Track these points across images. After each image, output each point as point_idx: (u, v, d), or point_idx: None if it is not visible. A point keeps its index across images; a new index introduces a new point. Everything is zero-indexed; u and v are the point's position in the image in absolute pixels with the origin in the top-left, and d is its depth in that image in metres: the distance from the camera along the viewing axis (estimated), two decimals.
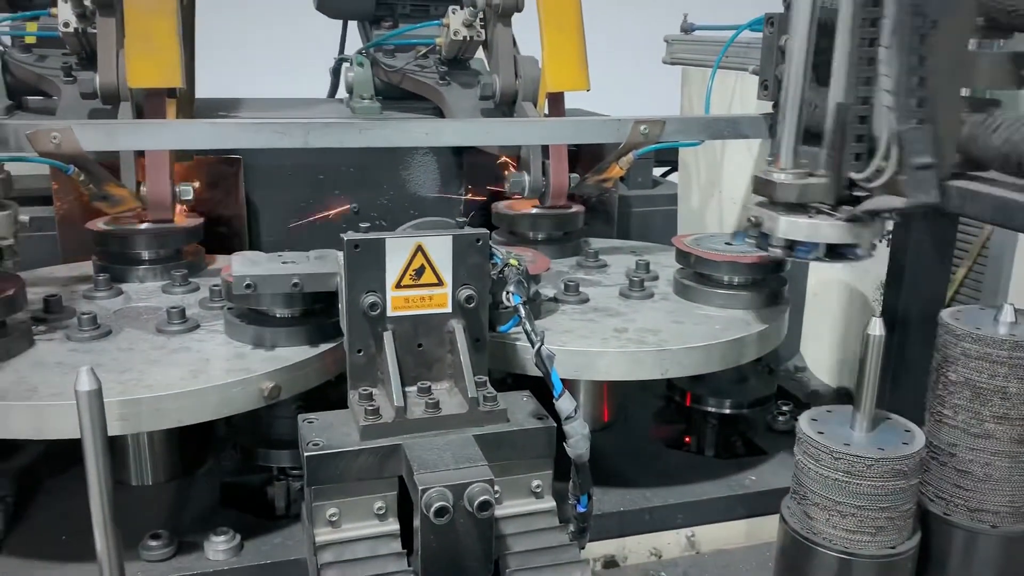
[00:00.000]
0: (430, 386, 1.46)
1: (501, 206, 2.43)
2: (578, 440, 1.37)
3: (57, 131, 1.75)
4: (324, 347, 1.65)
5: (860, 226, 1.61)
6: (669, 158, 3.19)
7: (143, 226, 2.05)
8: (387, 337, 1.45)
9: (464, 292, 1.49)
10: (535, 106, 2.33)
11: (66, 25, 2.09)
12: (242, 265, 1.61)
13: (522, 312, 1.45)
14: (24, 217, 1.56)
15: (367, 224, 1.48)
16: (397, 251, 1.44)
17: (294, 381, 1.59)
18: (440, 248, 1.46)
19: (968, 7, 1.52)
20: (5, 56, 2.36)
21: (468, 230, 1.52)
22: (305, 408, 1.81)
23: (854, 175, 1.61)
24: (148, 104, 2.00)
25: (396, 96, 2.66)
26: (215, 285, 1.87)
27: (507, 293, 1.49)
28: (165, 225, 2.06)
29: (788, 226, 1.63)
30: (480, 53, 2.60)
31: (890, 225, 1.76)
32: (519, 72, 2.34)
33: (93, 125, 1.81)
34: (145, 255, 2.04)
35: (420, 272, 1.46)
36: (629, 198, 2.79)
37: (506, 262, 1.53)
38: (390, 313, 1.46)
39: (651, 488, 1.89)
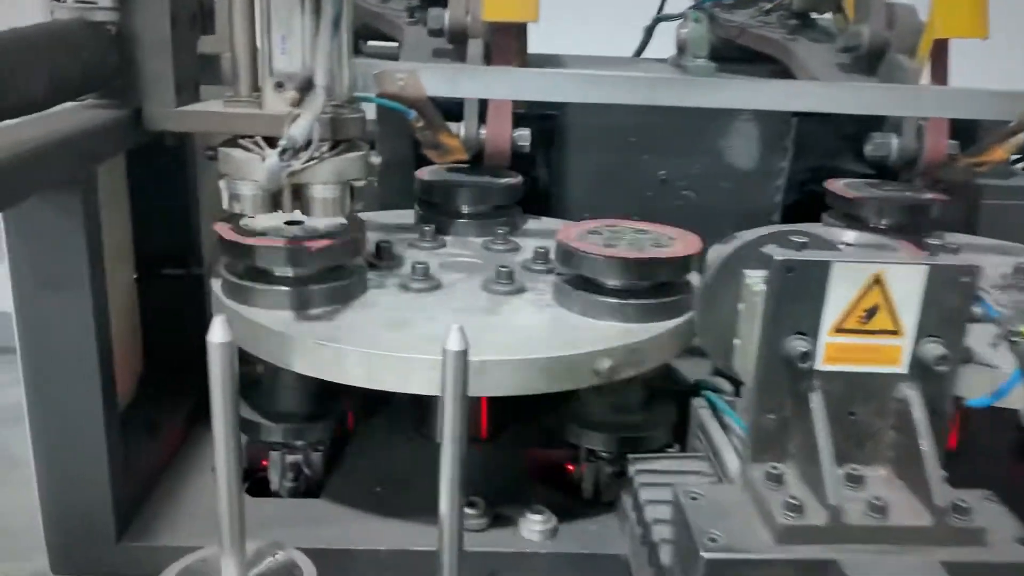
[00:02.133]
0: (864, 475, 1.12)
1: (839, 185, 2.15)
2: None
3: (403, 73, 1.71)
4: (667, 324, 1.49)
5: None
6: None
7: (468, 179, 1.99)
8: (815, 400, 1.11)
9: (932, 348, 1.10)
10: (912, 58, 2.02)
11: None
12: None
13: None
14: (376, 158, 1.51)
15: (803, 238, 1.14)
16: (846, 281, 1.08)
17: (631, 360, 1.44)
18: (906, 281, 1.08)
19: None
20: None
21: (947, 259, 1.14)
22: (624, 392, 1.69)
23: None
24: (498, 41, 1.92)
25: (728, 57, 2.45)
26: (541, 247, 1.76)
27: None
28: (489, 180, 2.00)
29: None
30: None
31: None
32: (893, 20, 2.04)
33: (437, 69, 1.75)
34: (468, 209, 1.98)
35: (871, 313, 1.10)
36: (980, 188, 2.40)
37: (1017, 328, 1.12)
38: (821, 366, 1.12)
39: None
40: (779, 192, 2.39)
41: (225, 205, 1.42)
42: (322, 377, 1.40)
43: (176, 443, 1.77)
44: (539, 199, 2.32)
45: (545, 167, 2.36)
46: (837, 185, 2.15)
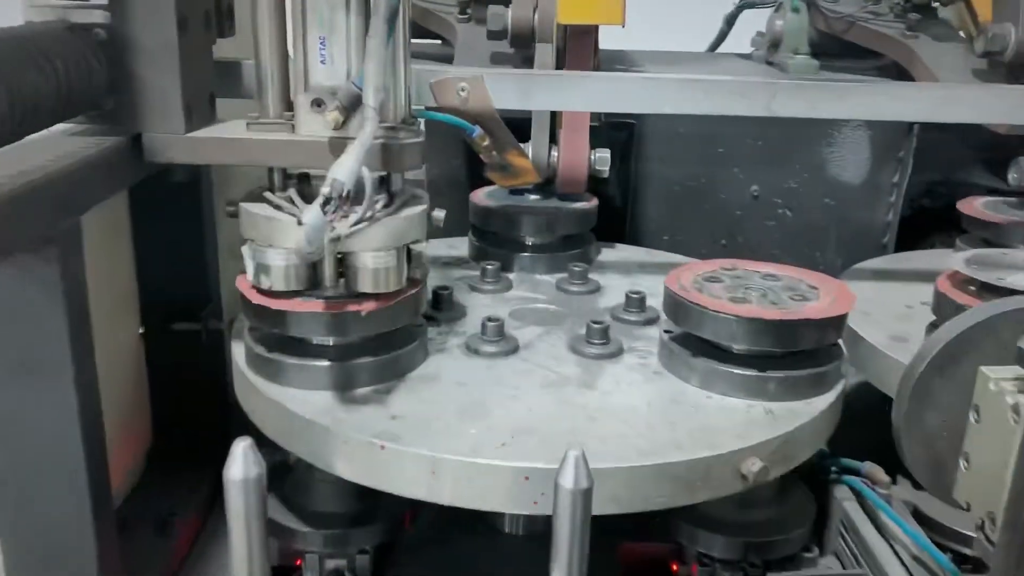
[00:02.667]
0: None
1: (976, 206, 1.81)
2: None
3: (466, 82, 1.38)
4: (819, 403, 1.16)
5: None
6: None
7: (536, 204, 1.68)
8: None
9: None
10: None
11: None
12: None
13: None
14: (439, 213, 1.20)
15: None
16: None
17: (783, 455, 1.11)
18: None
19: None
20: None
21: None
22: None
23: None
24: (573, 46, 1.62)
25: (828, 52, 2.11)
26: (634, 292, 1.43)
27: None
28: (559, 204, 1.69)
29: None
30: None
31: None
32: None
33: (508, 76, 1.42)
34: (535, 240, 1.65)
35: None
36: None
37: None
38: None
39: None
40: (891, 210, 2.06)
41: (250, 278, 1.11)
42: (375, 488, 1.07)
43: (190, 537, 1.46)
44: (612, 219, 2.00)
45: (619, 183, 2.05)
46: (974, 206, 1.81)
